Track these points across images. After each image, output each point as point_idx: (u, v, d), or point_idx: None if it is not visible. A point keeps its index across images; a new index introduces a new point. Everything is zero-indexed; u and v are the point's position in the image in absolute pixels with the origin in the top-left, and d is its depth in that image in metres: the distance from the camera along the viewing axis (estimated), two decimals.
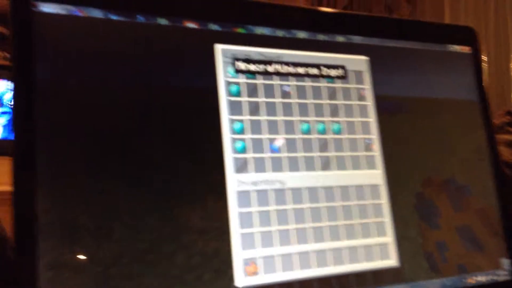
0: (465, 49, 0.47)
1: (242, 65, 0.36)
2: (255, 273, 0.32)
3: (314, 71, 0.39)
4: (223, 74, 0.35)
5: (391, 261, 0.37)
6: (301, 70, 0.38)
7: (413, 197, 0.40)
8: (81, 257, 0.28)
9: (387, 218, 0.38)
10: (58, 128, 0.30)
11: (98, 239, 0.29)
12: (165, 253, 0.30)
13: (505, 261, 0.43)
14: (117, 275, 0.29)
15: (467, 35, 0.47)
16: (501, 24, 1.72)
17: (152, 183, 0.32)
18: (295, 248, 0.34)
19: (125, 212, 0.30)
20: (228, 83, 0.35)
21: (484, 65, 0.49)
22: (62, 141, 0.30)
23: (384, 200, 0.38)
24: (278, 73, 0.37)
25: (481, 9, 1.78)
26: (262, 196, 0.34)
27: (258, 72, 0.36)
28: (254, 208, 0.34)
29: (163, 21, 0.34)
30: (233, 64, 0.36)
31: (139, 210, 0.31)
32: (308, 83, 0.38)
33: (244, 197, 0.34)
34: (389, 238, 0.38)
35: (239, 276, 0.32)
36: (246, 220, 0.33)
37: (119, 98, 0.32)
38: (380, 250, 0.37)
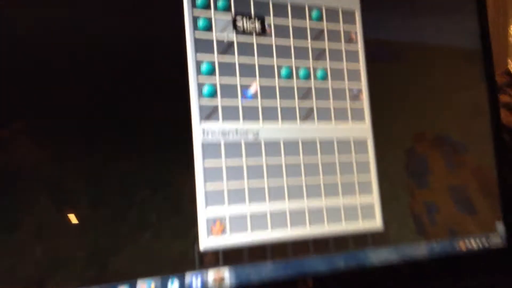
0: None
1: None
2: (221, 232, 0.29)
3: (297, 8, 0.34)
4: (189, 6, 0.30)
5: (375, 222, 0.34)
6: (281, 6, 0.33)
7: (403, 153, 0.36)
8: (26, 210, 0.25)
9: (372, 176, 0.34)
10: None
11: (46, 192, 0.25)
12: (116, 208, 0.26)
13: (499, 226, 0.40)
14: (64, 232, 0.25)
15: None
16: None
17: (107, 130, 0.27)
18: (268, 206, 0.31)
19: (76, 160, 0.26)
20: (196, 17, 0.30)
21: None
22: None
23: (370, 156, 0.34)
24: (255, 6, 0.32)
25: None
26: (232, 148, 0.30)
27: (231, 5, 0.31)
28: (222, 162, 0.30)
29: None
30: None
31: (90, 158, 0.26)
32: (290, 21, 0.33)
33: (211, 148, 0.29)
34: (374, 198, 0.34)
35: (203, 235, 0.28)
36: (212, 174, 0.29)
37: (71, 40, 0.27)
38: (364, 211, 0.34)
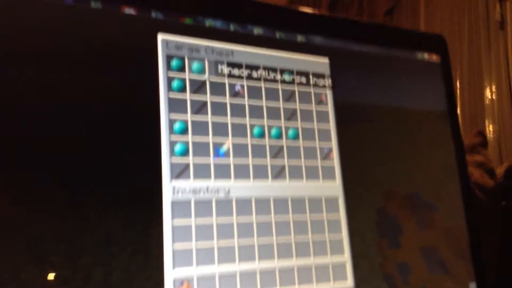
0: (434, 57, 0.44)
1: (187, 59, 0.32)
2: None
3: (270, 70, 0.35)
4: (164, 67, 0.31)
5: (347, 282, 0.33)
6: (254, 69, 0.34)
7: (374, 212, 0.36)
8: None
9: (344, 235, 0.34)
10: None
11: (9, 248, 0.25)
12: (80, 267, 0.26)
13: (471, 286, 0.39)
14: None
15: (436, 43, 0.45)
16: (475, 41, 1.73)
17: (76, 185, 0.27)
18: (238, 266, 0.30)
19: (42, 216, 0.26)
20: (170, 78, 0.31)
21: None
22: None
23: (341, 214, 0.35)
24: (228, 71, 0.34)
25: (456, 24, 1.79)
26: (203, 206, 0.30)
27: (205, 68, 0.33)
28: (192, 220, 0.29)
29: (96, 5, 0.30)
30: (177, 57, 0.32)
31: (55, 215, 0.26)
32: (262, 83, 0.35)
33: (180, 207, 0.29)
34: (345, 257, 0.34)
35: None
36: (181, 233, 0.29)
37: (46, 92, 0.28)
38: (335, 270, 0.33)
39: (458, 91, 1.70)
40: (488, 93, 1.64)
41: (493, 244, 0.80)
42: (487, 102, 1.64)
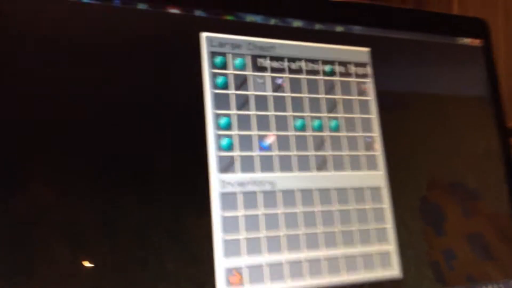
0: (476, 42, 0.43)
1: (230, 55, 0.33)
2: (239, 283, 0.29)
3: (311, 63, 0.35)
4: (208, 65, 0.32)
5: (393, 271, 0.34)
6: (295, 61, 0.35)
7: (418, 200, 0.36)
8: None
9: (389, 224, 0.35)
10: None
11: (62, 241, 0.26)
12: (135, 258, 0.27)
13: None
14: (79, 281, 0.26)
15: (477, 27, 0.44)
16: (509, 21, 1.66)
17: (126, 180, 0.28)
18: (285, 256, 0.31)
19: (94, 209, 0.27)
20: (214, 74, 0.32)
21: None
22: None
23: (386, 204, 0.35)
24: (270, 65, 0.34)
25: (491, 6, 1.72)
26: (249, 198, 0.31)
27: (248, 63, 0.33)
28: (240, 212, 0.31)
29: (142, 6, 0.31)
30: (220, 54, 0.33)
31: (108, 210, 0.28)
32: (303, 75, 0.35)
33: (228, 199, 0.30)
34: (391, 246, 0.34)
35: (221, 286, 0.29)
36: (230, 224, 0.30)
37: (91, 90, 0.29)
38: (381, 259, 0.34)
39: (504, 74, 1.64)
40: None
41: None
42: None
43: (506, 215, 0.40)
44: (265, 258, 0.30)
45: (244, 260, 0.30)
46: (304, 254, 0.32)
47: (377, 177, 0.35)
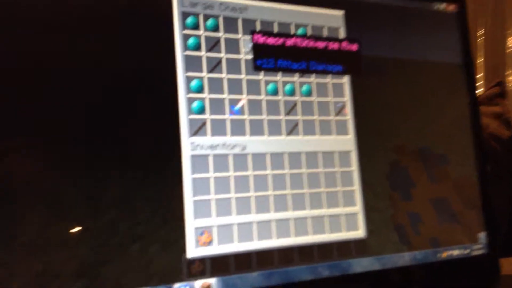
0: (451, 7, 0.43)
1: (201, 16, 0.32)
2: (208, 243, 0.30)
3: (284, 26, 0.35)
4: (179, 25, 0.32)
5: (358, 232, 0.35)
6: (268, 24, 0.35)
7: (386, 165, 0.37)
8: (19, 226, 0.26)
9: (356, 187, 0.36)
10: None
11: (38, 204, 0.26)
12: (106, 220, 0.28)
13: (481, 235, 0.41)
14: (54, 245, 0.26)
15: None
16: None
17: (97, 143, 0.28)
18: (254, 217, 0.32)
19: (67, 174, 0.27)
20: (186, 36, 0.32)
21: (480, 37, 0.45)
22: None
23: (354, 167, 0.36)
24: (243, 26, 0.34)
25: None
26: (220, 161, 0.31)
27: (220, 25, 0.33)
28: (210, 174, 0.31)
29: None
30: (192, 14, 0.32)
31: (81, 172, 0.28)
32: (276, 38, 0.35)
33: (199, 161, 0.31)
34: (357, 208, 0.35)
35: (191, 246, 0.29)
36: (200, 186, 0.30)
37: (66, 51, 0.29)
38: (347, 221, 0.35)
39: (483, 42, 1.65)
40: (510, 43, 1.59)
41: (507, 194, 0.81)
42: (508, 51, 1.59)
43: (471, 180, 0.42)
44: (234, 219, 0.31)
45: (213, 221, 0.30)
46: (272, 215, 0.32)
47: (346, 141, 0.36)
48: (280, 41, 0.35)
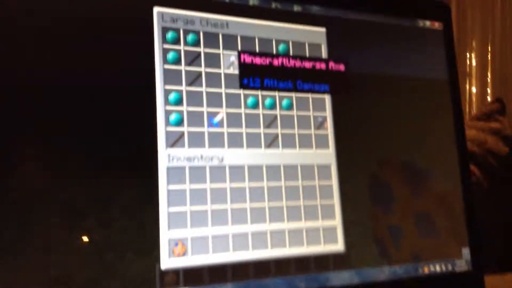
0: (436, 25, 0.44)
1: (182, 31, 0.33)
2: (183, 254, 0.30)
3: (264, 41, 0.36)
4: (159, 40, 0.32)
5: (337, 246, 0.35)
6: (248, 39, 0.35)
7: (366, 179, 0.38)
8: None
9: (335, 200, 0.36)
10: None
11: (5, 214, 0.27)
12: (81, 228, 0.28)
13: (464, 251, 0.41)
14: (27, 252, 0.27)
15: (439, 10, 0.44)
16: (507, 6, 1.67)
17: (74, 152, 0.29)
18: (230, 228, 0.32)
19: (44, 181, 0.28)
20: (165, 50, 0.32)
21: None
22: None
23: (333, 181, 0.36)
24: (223, 42, 0.34)
25: (489, 5, 1.72)
26: (197, 172, 0.32)
27: (200, 40, 0.34)
28: (186, 186, 0.31)
29: None
30: (172, 30, 0.33)
31: (57, 179, 0.28)
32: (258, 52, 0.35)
33: (175, 173, 0.31)
34: (336, 222, 0.35)
35: (164, 256, 0.30)
36: (175, 197, 0.31)
37: (45, 60, 0.29)
38: (326, 234, 0.35)
39: (489, 57, 1.66)
40: None
41: (502, 210, 0.80)
42: None
43: (455, 195, 0.42)
44: (210, 230, 0.31)
45: (189, 232, 0.31)
46: (249, 228, 0.33)
47: (326, 155, 0.36)
48: (267, 60, 0.36)
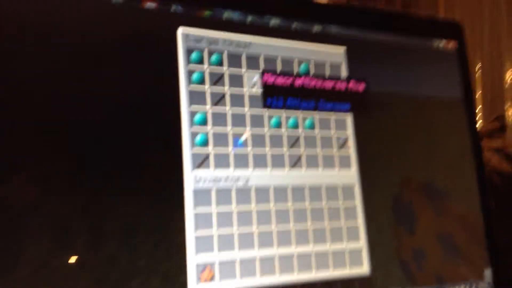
0: (450, 44, 0.44)
1: (206, 51, 0.33)
2: (210, 279, 0.29)
3: (286, 61, 0.36)
4: (184, 60, 0.32)
5: (363, 268, 0.34)
6: (271, 59, 0.35)
7: (390, 199, 0.37)
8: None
9: (360, 222, 0.35)
10: None
11: (37, 236, 0.26)
12: (106, 254, 0.27)
13: (486, 272, 0.40)
14: (54, 277, 0.26)
15: (453, 30, 0.45)
16: (496, 24, 1.70)
17: (100, 176, 0.28)
18: (257, 252, 0.31)
19: (68, 205, 0.27)
20: (190, 71, 0.32)
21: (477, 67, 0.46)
22: None
23: (357, 202, 0.36)
24: (246, 62, 0.34)
25: (476, 9, 1.75)
26: (223, 194, 0.31)
27: (224, 60, 0.33)
28: (213, 208, 0.31)
29: (117, 0, 0.31)
30: (197, 50, 0.33)
31: (82, 206, 0.27)
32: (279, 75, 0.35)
33: (202, 195, 0.31)
34: (361, 244, 0.35)
35: (192, 282, 0.29)
36: (202, 221, 0.30)
37: (71, 84, 0.29)
38: (351, 257, 0.34)
39: (480, 75, 1.68)
40: (508, 76, 1.61)
41: (510, 230, 0.80)
42: (507, 86, 1.61)
43: (475, 216, 0.41)
44: (237, 254, 0.31)
45: (215, 256, 0.30)
46: (276, 251, 0.32)
47: (349, 175, 0.36)
48: (289, 80, 0.35)
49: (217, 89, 0.33)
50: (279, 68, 0.35)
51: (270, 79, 0.35)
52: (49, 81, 0.28)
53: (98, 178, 0.28)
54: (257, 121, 0.34)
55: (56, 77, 0.28)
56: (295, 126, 0.35)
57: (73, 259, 0.27)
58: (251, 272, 0.31)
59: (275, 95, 0.35)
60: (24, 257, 0.25)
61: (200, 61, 0.33)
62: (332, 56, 0.38)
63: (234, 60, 0.34)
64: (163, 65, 0.32)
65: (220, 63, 0.33)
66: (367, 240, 0.35)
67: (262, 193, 0.33)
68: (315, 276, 0.33)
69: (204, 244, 0.30)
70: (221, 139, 0.32)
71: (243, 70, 0.34)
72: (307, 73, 0.36)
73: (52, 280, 0.26)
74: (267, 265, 0.31)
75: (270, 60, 0.35)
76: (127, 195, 0.29)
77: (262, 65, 0.35)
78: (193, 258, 0.29)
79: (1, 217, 0.25)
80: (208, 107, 0.32)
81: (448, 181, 0.41)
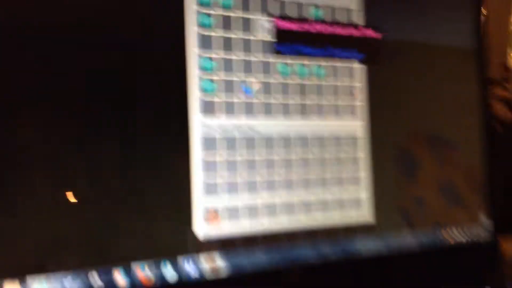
0: None
1: None
2: (216, 221, 0.30)
3: (298, 5, 0.34)
4: (195, 2, 0.31)
5: (365, 216, 0.35)
6: (283, 4, 0.34)
7: (395, 150, 0.37)
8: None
9: (364, 173, 0.36)
10: None
11: (46, 175, 0.26)
12: (116, 197, 0.28)
13: (485, 221, 0.41)
14: (61, 215, 0.26)
15: None
16: None
17: (110, 121, 0.28)
18: (262, 198, 0.32)
19: (79, 146, 0.27)
20: (199, 13, 0.31)
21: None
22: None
23: (363, 153, 0.36)
24: (259, 5, 0.33)
25: None
26: (230, 143, 0.31)
27: (237, 3, 0.32)
28: (220, 156, 0.31)
29: None
30: None
31: (93, 149, 0.28)
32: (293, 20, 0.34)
33: (209, 142, 0.31)
34: (364, 193, 0.36)
35: (199, 223, 0.30)
36: (209, 166, 0.30)
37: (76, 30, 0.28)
38: (355, 205, 0.35)
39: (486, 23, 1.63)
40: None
41: (503, 174, 0.81)
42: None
43: (478, 165, 0.42)
44: (241, 199, 0.31)
45: (222, 200, 0.31)
46: (280, 198, 0.33)
47: (357, 127, 0.36)
48: (302, 26, 0.34)
49: (227, 33, 0.32)
50: (292, 13, 0.34)
51: (283, 24, 0.34)
52: (63, 31, 0.27)
53: (109, 124, 0.28)
54: (266, 69, 0.33)
55: (66, 23, 0.28)
56: (305, 75, 0.34)
57: (81, 199, 0.27)
58: (255, 217, 0.32)
59: (287, 42, 0.34)
60: (25, 195, 0.26)
61: (211, 3, 0.31)
62: (347, 2, 0.36)
63: (245, 4, 0.33)
64: (171, 7, 0.30)
65: (231, 6, 0.32)
66: (370, 187, 0.36)
67: (268, 142, 0.33)
68: (318, 222, 0.34)
69: (211, 188, 0.30)
70: (230, 86, 0.32)
71: (254, 15, 0.33)
72: (320, 19, 0.35)
73: (59, 216, 0.26)
74: (271, 211, 0.32)
75: (281, 4, 0.34)
76: (136, 140, 0.29)
77: (274, 10, 0.33)
78: (200, 201, 0.30)
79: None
80: (217, 52, 0.31)
81: (452, 129, 0.41)
